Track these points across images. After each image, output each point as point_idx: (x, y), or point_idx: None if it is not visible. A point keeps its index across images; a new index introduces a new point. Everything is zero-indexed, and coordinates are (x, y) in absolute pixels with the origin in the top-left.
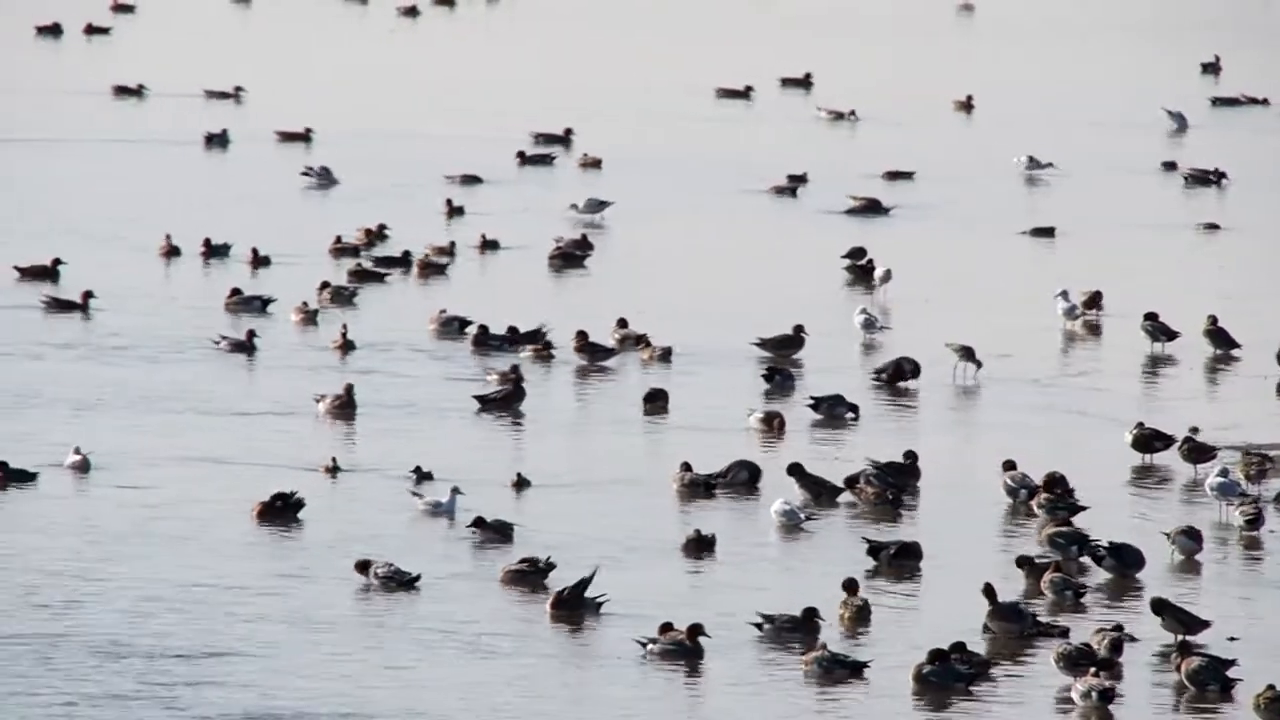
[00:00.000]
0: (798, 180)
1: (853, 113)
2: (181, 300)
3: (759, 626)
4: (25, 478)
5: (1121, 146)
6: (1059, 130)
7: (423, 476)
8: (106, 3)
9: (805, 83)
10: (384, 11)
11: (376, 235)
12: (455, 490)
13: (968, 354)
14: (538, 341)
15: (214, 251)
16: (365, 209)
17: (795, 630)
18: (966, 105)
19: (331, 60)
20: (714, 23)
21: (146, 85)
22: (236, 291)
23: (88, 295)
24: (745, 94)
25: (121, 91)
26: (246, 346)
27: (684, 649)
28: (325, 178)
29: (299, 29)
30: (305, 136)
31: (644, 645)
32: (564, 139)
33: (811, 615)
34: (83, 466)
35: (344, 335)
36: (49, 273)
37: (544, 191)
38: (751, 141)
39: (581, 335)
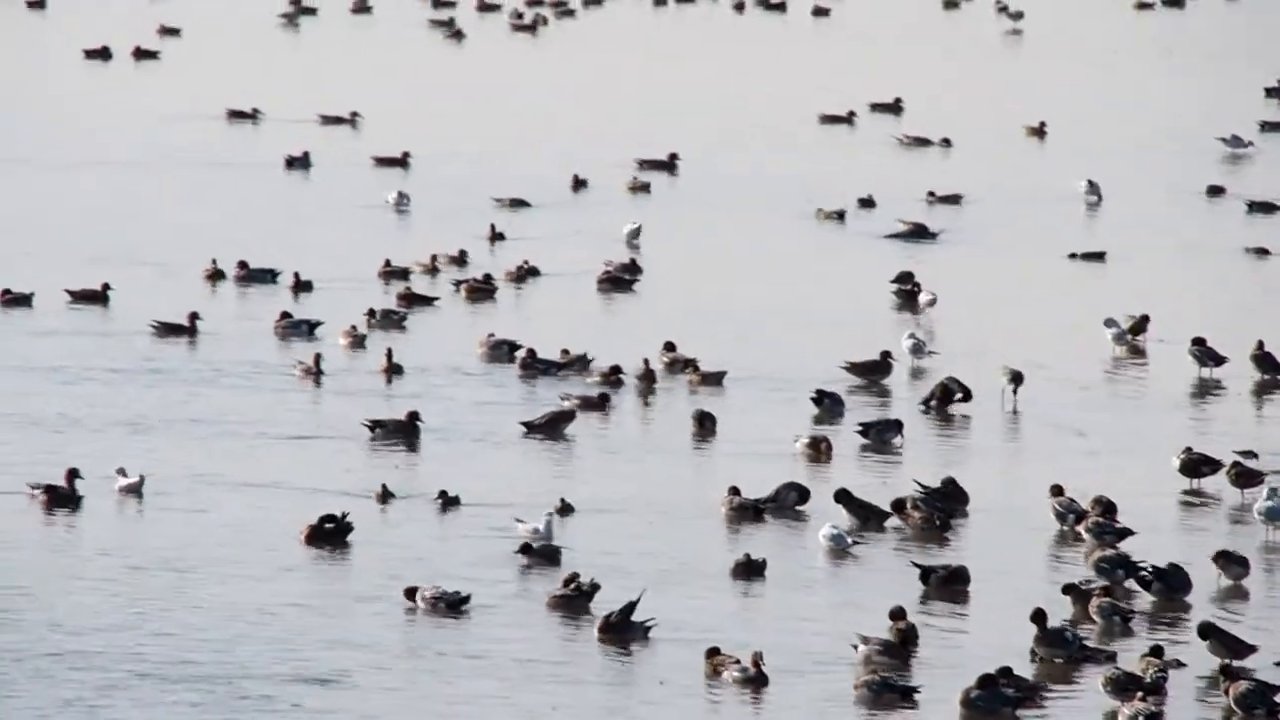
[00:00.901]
0: (867, 203)
1: (945, 140)
2: (224, 324)
3: (855, 648)
4: (70, 501)
5: (1174, 170)
6: (1122, 154)
7: (448, 501)
8: (153, 26)
9: (895, 108)
10: (471, 32)
11: (458, 260)
12: (550, 515)
13: (1017, 379)
14: (583, 367)
15: (253, 276)
16: (431, 233)
17: (888, 653)
18: (1039, 131)
19: (422, 83)
20: (769, 45)
21: (261, 109)
22: (286, 315)
23: (194, 317)
24: (849, 119)
25: (236, 115)
26: (315, 372)
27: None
28: (403, 202)
29: (376, 53)
30: (403, 161)
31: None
32: (669, 164)
33: (908, 639)
34: (135, 489)
35: (389, 359)
36: (99, 297)
37: (643, 216)
38: (838, 166)
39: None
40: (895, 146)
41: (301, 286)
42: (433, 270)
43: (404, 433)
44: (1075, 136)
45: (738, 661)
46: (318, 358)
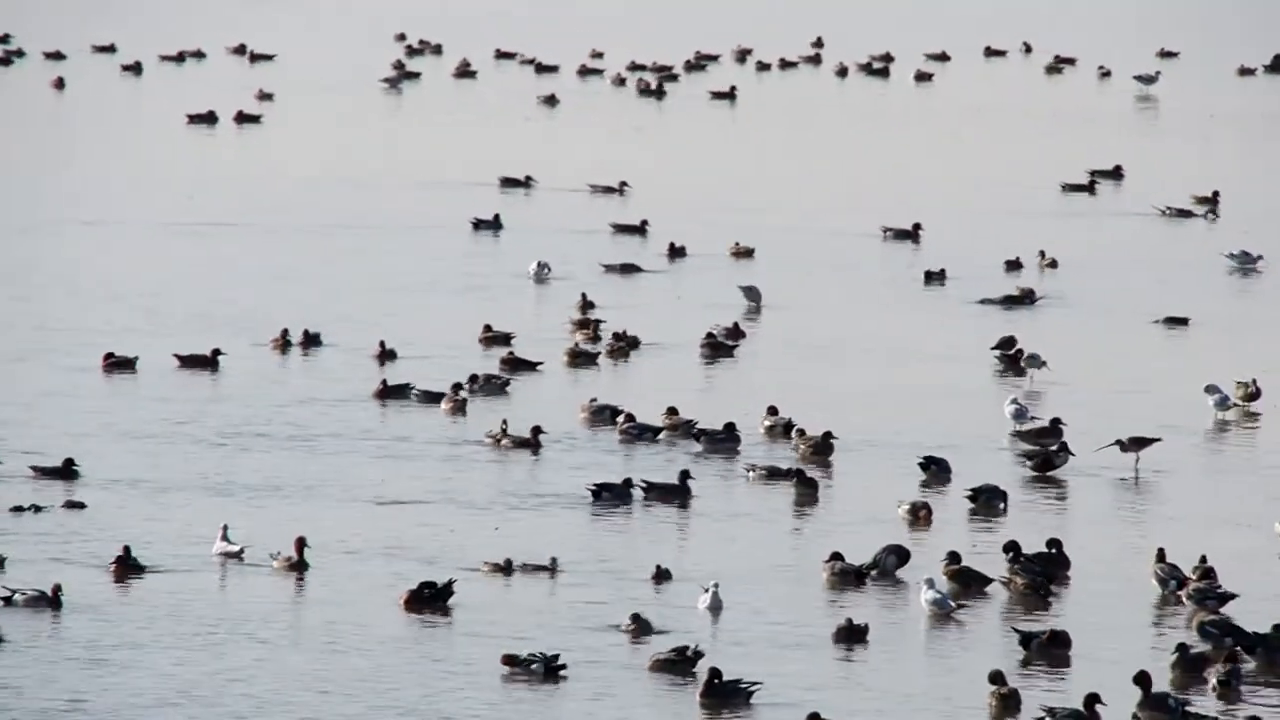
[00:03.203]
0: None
1: (1212, 210)
2: (318, 389)
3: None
4: (141, 569)
5: None
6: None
7: (554, 568)
8: (251, 91)
9: (1116, 174)
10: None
11: (585, 325)
12: (715, 586)
13: (1133, 445)
14: (685, 433)
15: (309, 341)
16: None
17: None
18: (1212, 200)
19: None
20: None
21: (534, 177)
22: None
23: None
24: (1090, 188)
25: (509, 183)
26: (532, 444)
27: None
28: (543, 272)
29: (482, 120)
30: (641, 230)
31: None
32: (913, 234)
33: (1093, 702)
34: (235, 555)
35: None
36: (209, 362)
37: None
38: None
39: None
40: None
41: (386, 355)
42: (594, 337)
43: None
44: (1243, 206)
45: None
46: (504, 424)
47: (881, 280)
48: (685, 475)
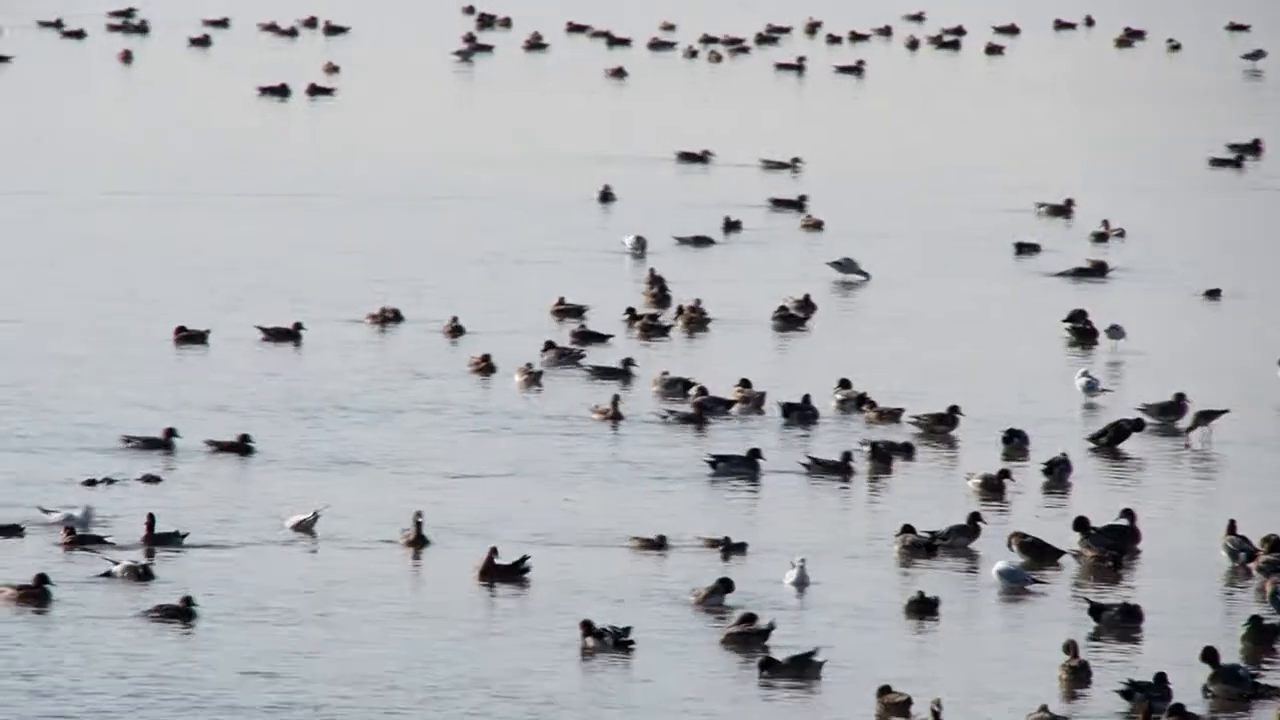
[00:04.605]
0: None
1: None
2: (401, 362)
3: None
4: (171, 540)
5: None
6: None
7: (660, 543)
8: (320, 63)
9: (1255, 149)
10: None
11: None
12: (801, 561)
13: (1204, 418)
14: (757, 406)
15: (394, 317)
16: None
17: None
18: None
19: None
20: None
21: (712, 151)
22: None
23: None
24: (1237, 164)
25: (686, 157)
26: (614, 416)
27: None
28: (638, 247)
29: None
30: (799, 205)
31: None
32: (1065, 209)
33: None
34: (306, 527)
35: (615, 405)
36: (291, 335)
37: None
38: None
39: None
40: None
41: (456, 331)
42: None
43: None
44: None
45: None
46: (616, 399)
47: (977, 253)
48: (806, 457)
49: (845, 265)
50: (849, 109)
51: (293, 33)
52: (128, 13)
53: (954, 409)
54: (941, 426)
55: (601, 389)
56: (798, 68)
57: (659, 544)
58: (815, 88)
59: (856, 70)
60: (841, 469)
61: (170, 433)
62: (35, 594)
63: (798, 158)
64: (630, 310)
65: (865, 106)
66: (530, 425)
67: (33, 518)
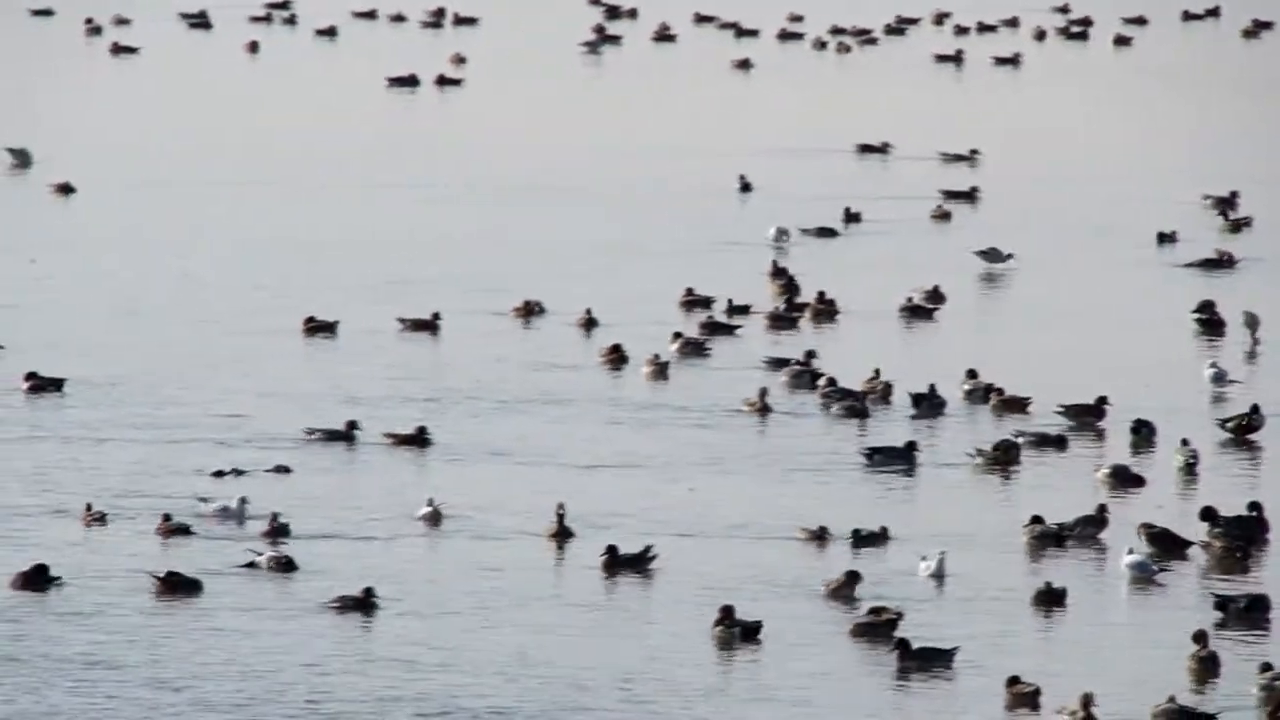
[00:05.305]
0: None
1: None
2: (540, 353)
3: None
4: (192, 587)
5: None
6: None
7: (821, 534)
8: (446, 55)
9: None
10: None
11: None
12: (943, 554)
13: None
14: (885, 396)
15: (536, 309)
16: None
17: None
18: None
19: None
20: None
21: (891, 143)
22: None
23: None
24: None
25: (865, 149)
26: (763, 408)
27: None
28: (782, 238)
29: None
30: (971, 196)
31: None
32: (1230, 202)
33: None
34: (434, 519)
35: (763, 397)
36: (429, 325)
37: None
38: None
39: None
40: None
41: (590, 323)
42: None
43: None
44: None
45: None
46: (764, 391)
47: (1119, 244)
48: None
49: (991, 255)
50: (1010, 100)
51: (433, 24)
52: (283, 3)
53: (1102, 399)
54: (1089, 417)
55: (768, 379)
56: (956, 59)
57: (820, 535)
58: (975, 79)
59: (1013, 61)
60: (906, 456)
61: (352, 425)
62: (184, 582)
63: (976, 149)
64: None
65: (1026, 98)
66: (659, 416)
67: (189, 508)
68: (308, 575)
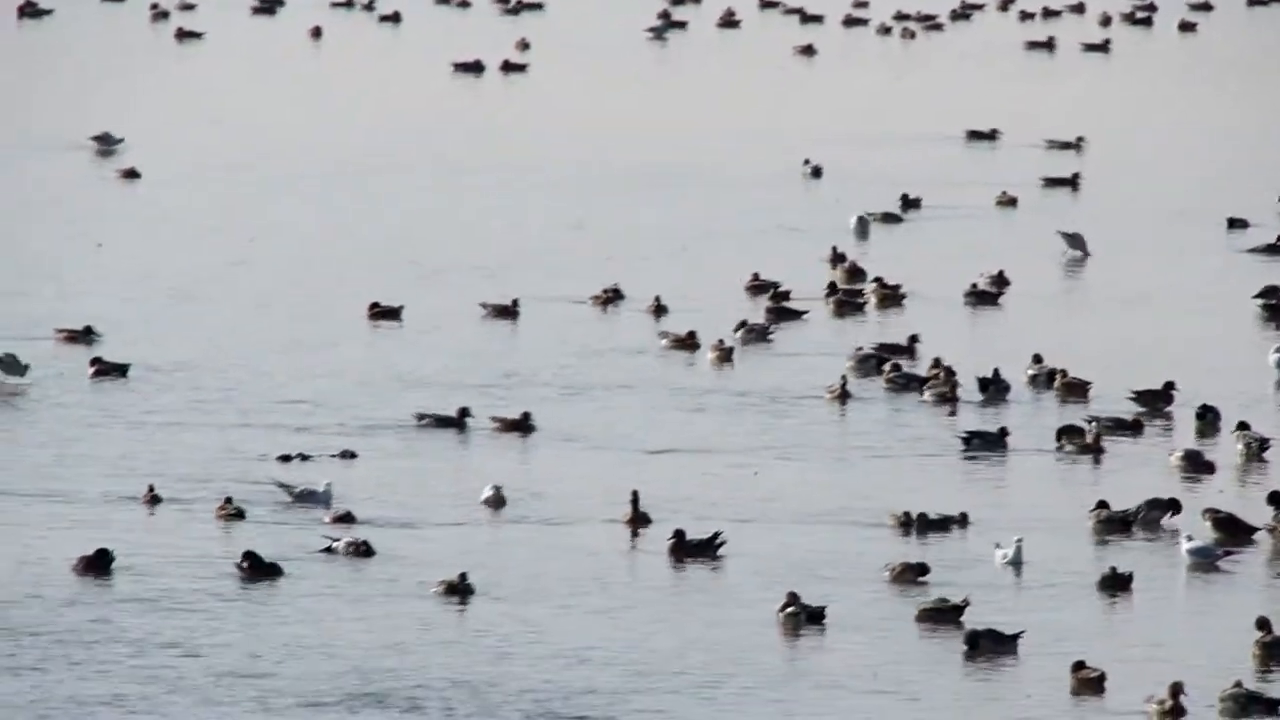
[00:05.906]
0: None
1: None
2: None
3: None
4: (274, 572)
5: None
6: None
7: (907, 520)
8: (511, 41)
9: None
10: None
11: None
12: (1019, 541)
13: None
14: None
15: (611, 298)
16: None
17: None
18: None
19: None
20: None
21: (1000, 130)
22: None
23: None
24: None
25: (973, 135)
26: (843, 395)
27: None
28: (863, 227)
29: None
30: (1073, 183)
31: None
32: None
33: None
34: (497, 502)
35: (844, 384)
36: (509, 312)
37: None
38: None
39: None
40: None
41: (660, 310)
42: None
43: (994, 444)
44: None
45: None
46: (844, 379)
47: (1190, 230)
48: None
49: (1074, 240)
50: (1101, 86)
51: (501, 9)
52: None
53: (1169, 385)
54: (1159, 403)
55: (860, 368)
56: (1048, 45)
57: (907, 521)
58: (1067, 65)
59: (1103, 48)
60: (998, 442)
61: (464, 412)
62: (265, 570)
63: (1082, 137)
64: (831, 285)
65: (1114, 85)
66: (725, 402)
67: (269, 494)
68: (384, 560)
